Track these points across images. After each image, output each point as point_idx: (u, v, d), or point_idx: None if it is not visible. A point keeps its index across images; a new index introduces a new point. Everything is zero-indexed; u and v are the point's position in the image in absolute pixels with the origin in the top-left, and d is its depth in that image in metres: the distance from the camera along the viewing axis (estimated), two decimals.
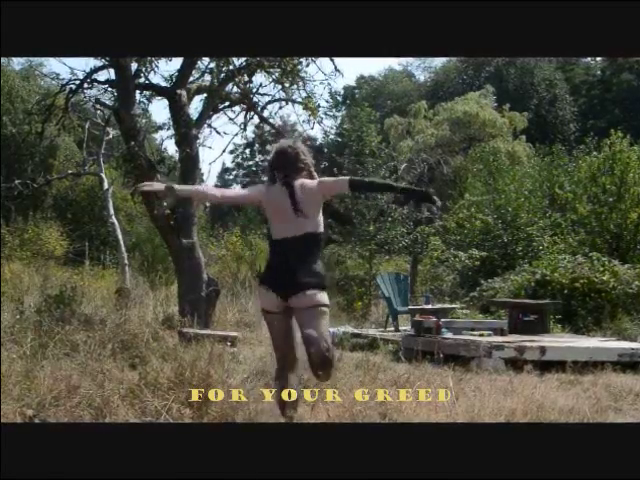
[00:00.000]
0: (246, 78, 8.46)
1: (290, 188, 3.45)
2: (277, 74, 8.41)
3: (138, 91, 8.15)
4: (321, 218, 3.53)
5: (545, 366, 5.87)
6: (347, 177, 3.62)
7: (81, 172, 15.61)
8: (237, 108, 9.01)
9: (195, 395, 3.69)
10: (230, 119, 9.08)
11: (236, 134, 9.46)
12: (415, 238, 14.93)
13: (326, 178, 3.64)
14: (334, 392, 4.02)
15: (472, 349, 6.29)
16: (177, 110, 7.91)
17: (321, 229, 3.52)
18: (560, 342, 6.80)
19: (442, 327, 7.23)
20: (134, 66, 7.88)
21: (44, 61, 20.52)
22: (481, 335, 7.01)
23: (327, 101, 19.69)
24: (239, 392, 3.82)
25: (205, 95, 8.54)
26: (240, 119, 9.10)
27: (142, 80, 8.17)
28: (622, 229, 11.88)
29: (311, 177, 3.57)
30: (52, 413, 3.64)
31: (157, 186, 3.82)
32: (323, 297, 3.44)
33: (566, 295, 9.22)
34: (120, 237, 13.34)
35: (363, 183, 3.98)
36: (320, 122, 9.18)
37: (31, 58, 18.94)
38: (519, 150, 20.62)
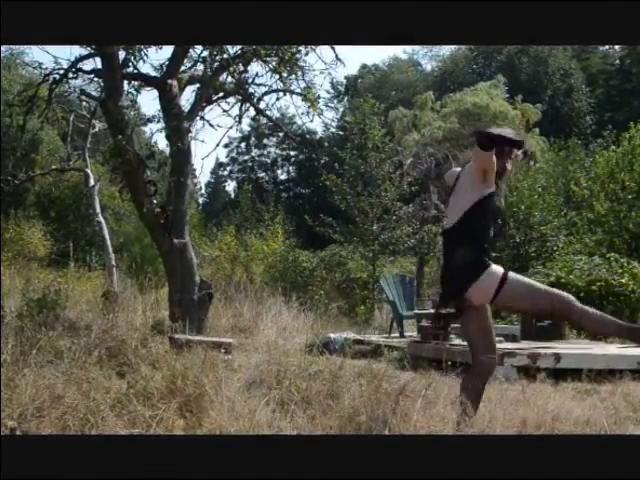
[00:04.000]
0: (241, 67, 8.46)
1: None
2: (274, 63, 8.41)
3: (126, 81, 8.15)
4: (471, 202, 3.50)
5: (560, 374, 5.88)
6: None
7: (65, 168, 15.62)
8: (232, 99, 9.03)
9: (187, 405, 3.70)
10: (224, 111, 9.09)
11: (231, 127, 9.50)
12: (421, 238, 14.96)
13: None
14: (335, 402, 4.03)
15: None
16: (168, 101, 7.92)
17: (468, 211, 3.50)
18: (576, 349, 6.81)
19: (450, 333, 7.23)
20: (122, 54, 7.88)
21: (26, 49, 20.51)
22: None
23: (328, 92, 19.78)
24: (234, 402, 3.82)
25: (198, 85, 8.54)
26: (235, 111, 9.16)
27: (130, 69, 8.17)
28: None
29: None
30: (35, 424, 3.64)
31: None
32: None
33: (582, 298, 9.18)
34: (107, 237, 13.35)
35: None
36: (320, 114, 9.18)
37: (12, 46, 18.92)
38: (532, 144, 20.64)
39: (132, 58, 8.02)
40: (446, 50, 38.25)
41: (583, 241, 12.42)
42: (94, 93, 9.42)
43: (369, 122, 14.37)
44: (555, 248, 12.61)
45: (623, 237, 11.96)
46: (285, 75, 8.53)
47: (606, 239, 12.06)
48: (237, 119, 9.14)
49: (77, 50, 8.15)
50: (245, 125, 38.28)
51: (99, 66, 7.95)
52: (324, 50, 8.38)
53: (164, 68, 8.25)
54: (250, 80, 8.73)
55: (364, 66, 40.58)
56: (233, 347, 6.67)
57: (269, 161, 44.39)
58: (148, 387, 3.98)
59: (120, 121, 7.59)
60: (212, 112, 9.10)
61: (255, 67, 8.56)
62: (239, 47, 8.04)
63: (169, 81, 7.89)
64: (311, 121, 18.00)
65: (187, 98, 8.57)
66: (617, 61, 36.29)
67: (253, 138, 42.39)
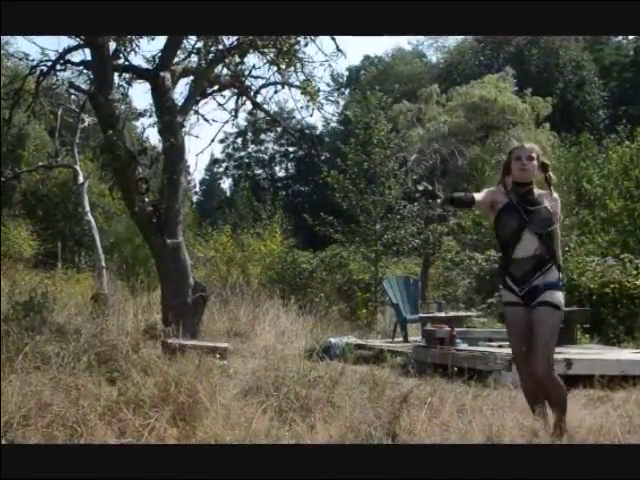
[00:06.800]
0: (237, 59, 8.47)
1: None
2: (272, 55, 8.41)
3: (117, 73, 8.15)
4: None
5: (571, 381, 5.87)
6: None
7: (53, 164, 15.60)
8: (227, 93, 9.02)
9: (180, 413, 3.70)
10: (219, 105, 9.09)
11: (226, 122, 9.47)
12: (426, 238, 14.92)
13: None
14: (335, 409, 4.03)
15: (490, 362, 6.30)
16: (160, 95, 7.91)
17: None
18: (588, 354, 6.81)
19: (456, 337, 7.24)
20: (112, 45, 7.88)
21: (11, 39, 20.49)
22: (500, 346, 7.02)
23: (328, 85, 19.72)
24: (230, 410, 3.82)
25: (192, 78, 8.54)
26: (231, 105, 9.12)
27: (121, 61, 8.17)
28: None
29: None
30: (21, 433, 3.65)
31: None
32: None
33: (595, 301, 9.23)
34: (97, 237, 13.34)
35: None
36: (320, 108, 9.20)
37: None
38: (542, 139, 20.60)
39: (123, 49, 8.02)
40: (452, 41, 38.25)
41: (596, 241, 12.41)
42: (83, 86, 9.40)
43: (375, 116, 14.31)
44: (567, 248, 12.60)
45: (637, 237, 11.96)
46: (283, 67, 8.53)
47: (620, 239, 12.06)
48: (233, 113, 9.14)
49: (65, 41, 8.13)
50: (241, 120, 38.15)
51: (88, 58, 7.95)
52: (324, 41, 8.38)
53: (156, 60, 8.24)
54: (247, 72, 8.72)
55: (367, 57, 40.62)
56: (229, 352, 6.68)
57: (267, 157, 44.41)
58: (140, 394, 3.99)
59: (110, 115, 7.58)
60: (207, 106, 9.12)
61: (252, 59, 8.65)
62: (235, 38, 8.04)
63: (162, 73, 7.88)
64: (311, 115, 18.00)
65: (180, 91, 8.54)
66: (631, 52, 36.24)
67: (250, 133, 42.40)
